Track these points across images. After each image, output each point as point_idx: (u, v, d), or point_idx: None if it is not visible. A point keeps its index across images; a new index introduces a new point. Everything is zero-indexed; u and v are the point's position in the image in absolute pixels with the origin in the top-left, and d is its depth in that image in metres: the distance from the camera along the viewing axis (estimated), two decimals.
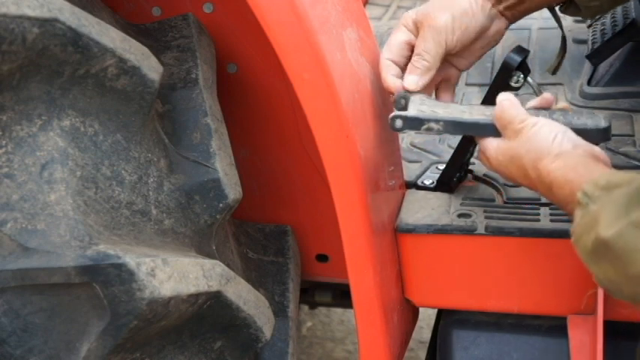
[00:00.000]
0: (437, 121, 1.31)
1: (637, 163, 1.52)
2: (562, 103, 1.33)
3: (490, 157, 1.29)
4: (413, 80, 1.35)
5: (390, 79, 1.37)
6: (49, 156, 1.20)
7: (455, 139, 1.52)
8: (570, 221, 1.29)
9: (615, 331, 1.35)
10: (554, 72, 1.48)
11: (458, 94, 1.39)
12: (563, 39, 1.46)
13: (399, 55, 1.37)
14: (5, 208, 1.17)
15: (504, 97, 1.28)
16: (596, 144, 1.25)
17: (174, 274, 1.21)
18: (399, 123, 1.32)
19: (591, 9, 1.42)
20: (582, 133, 1.25)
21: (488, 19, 1.36)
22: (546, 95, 1.32)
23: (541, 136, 1.21)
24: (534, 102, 1.33)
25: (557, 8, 1.44)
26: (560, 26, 1.45)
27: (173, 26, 1.45)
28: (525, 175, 1.23)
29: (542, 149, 1.20)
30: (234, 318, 1.35)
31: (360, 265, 1.36)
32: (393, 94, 1.37)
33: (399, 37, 1.37)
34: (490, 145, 1.29)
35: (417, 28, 1.36)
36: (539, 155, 1.20)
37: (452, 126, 1.32)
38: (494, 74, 1.45)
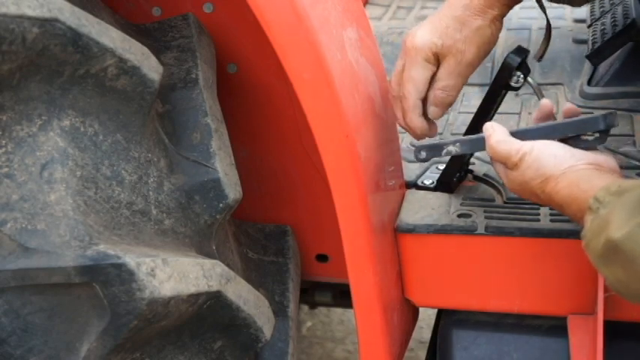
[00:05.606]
0: (454, 143, 1.37)
1: (637, 163, 1.52)
2: (568, 104, 1.33)
3: (507, 185, 1.30)
4: (438, 113, 1.39)
5: (418, 120, 1.38)
6: (49, 156, 1.20)
7: None
8: (570, 221, 1.30)
9: (615, 331, 1.35)
10: (540, 59, 1.48)
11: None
12: (548, 25, 1.45)
13: (424, 91, 1.38)
14: (5, 208, 1.17)
15: (490, 134, 1.28)
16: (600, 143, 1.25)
17: (174, 274, 1.21)
18: (423, 154, 1.41)
19: None
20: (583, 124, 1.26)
21: (496, 30, 1.36)
22: (545, 106, 1.32)
23: (542, 161, 1.21)
24: (535, 114, 1.33)
25: None
26: (544, 11, 1.44)
27: (173, 26, 1.45)
28: (539, 199, 1.24)
29: (545, 173, 1.21)
30: (234, 318, 1.35)
31: (360, 265, 1.36)
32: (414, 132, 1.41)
33: (424, 75, 1.35)
34: (503, 174, 1.30)
35: (437, 60, 1.35)
36: (544, 180, 1.21)
37: (468, 145, 1.37)
38: (495, 74, 1.45)
